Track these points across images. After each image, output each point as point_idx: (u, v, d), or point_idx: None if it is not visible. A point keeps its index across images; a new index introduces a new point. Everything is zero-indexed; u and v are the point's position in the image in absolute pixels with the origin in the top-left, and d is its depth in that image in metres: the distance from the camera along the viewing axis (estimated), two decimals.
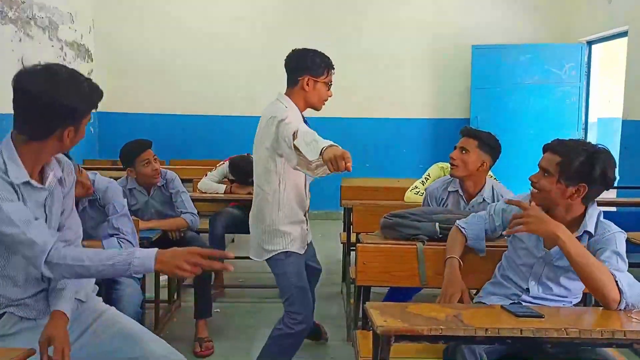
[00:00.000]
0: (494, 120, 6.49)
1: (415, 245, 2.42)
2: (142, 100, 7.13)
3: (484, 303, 2.16)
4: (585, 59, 6.63)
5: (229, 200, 4.27)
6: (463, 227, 2.34)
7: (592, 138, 7.06)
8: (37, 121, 1.63)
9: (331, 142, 2.12)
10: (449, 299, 2.17)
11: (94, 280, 1.96)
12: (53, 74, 1.63)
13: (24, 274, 1.74)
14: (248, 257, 4.80)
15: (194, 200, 3.62)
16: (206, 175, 4.32)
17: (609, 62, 8.08)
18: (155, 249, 1.67)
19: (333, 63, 2.62)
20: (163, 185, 3.45)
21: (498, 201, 2.56)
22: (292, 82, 2.58)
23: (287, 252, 2.57)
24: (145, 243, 2.99)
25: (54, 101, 1.60)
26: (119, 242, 2.62)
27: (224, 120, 7.08)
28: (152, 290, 3.36)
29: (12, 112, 1.66)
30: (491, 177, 3.09)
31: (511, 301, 2.10)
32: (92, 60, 6.98)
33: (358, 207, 3.44)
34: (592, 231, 1.98)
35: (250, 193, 4.11)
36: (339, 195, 4.07)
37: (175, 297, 3.89)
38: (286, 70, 2.61)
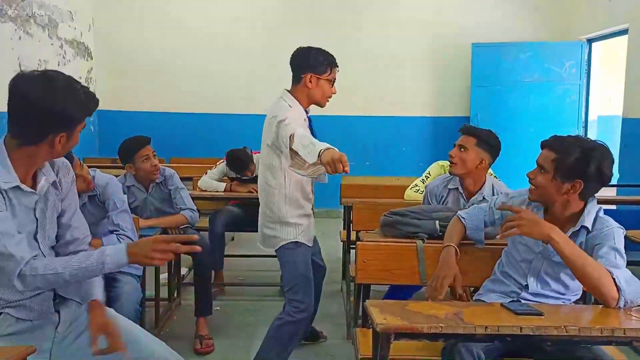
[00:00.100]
0: (494, 119, 6.49)
1: (415, 243, 2.42)
2: (142, 99, 7.13)
3: (483, 301, 2.17)
4: (586, 57, 6.63)
5: (229, 198, 4.28)
6: (463, 217, 2.36)
7: (592, 136, 7.04)
8: (29, 126, 1.63)
9: (327, 145, 2.17)
10: (440, 281, 2.17)
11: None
12: (50, 80, 1.63)
13: None
14: (248, 255, 4.84)
15: (194, 198, 3.62)
16: (206, 173, 4.32)
17: (609, 60, 8.08)
18: (125, 243, 1.71)
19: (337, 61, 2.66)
20: (162, 182, 3.45)
21: None
22: (296, 79, 2.65)
23: (297, 242, 2.64)
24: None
25: (48, 107, 1.60)
26: (118, 239, 2.62)
27: (224, 119, 7.08)
28: (152, 288, 3.36)
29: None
30: (491, 175, 3.09)
31: (510, 299, 2.10)
32: (91, 59, 6.97)
33: (358, 205, 3.44)
34: (590, 226, 1.98)
35: (250, 191, 4.14)
36: (339, 194, 4.07)
37: (175, 295, 3.90)
38: (291, 68, 2.67)
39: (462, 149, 2.78)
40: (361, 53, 6.93)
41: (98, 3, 7.00)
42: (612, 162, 1.98)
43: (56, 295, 1.81)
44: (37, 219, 1.74)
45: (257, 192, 4.05)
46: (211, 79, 7.08)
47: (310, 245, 2.72)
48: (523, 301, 2.05)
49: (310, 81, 2.60)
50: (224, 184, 4.22)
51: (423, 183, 3.64)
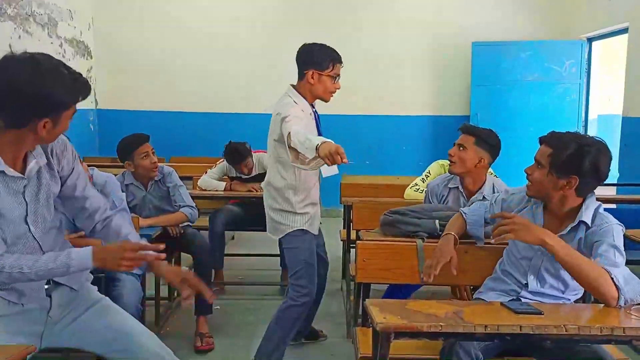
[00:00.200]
0: (494, 118, 6.48)
1: (415, 242, 2.42)
2: (141, 98, 7.12)
3: (483, 299, 2.17)
4: (586, 56, 6.62)
5: (229, 197, 4.28)
6: (464, 212, 2.38)
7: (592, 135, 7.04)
8: (10, 109, 1.60)
9: (323, 139, 2.24)
10: (437, 259, 2.16)
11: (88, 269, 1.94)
12: (36, 62, 1.60)
13: None
14: (248, 255, 4.84)
15: (193, 197, 3.62)
16: (206, 172, 4.32)
17: (609, 59, 8.07)
18: (90, 247, 1.71)
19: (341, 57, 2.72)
20: (160, 179, 3.44)
21: None
22: (300, 75, 2.73)
23: (303, 229, 2.74)
24: (145, 241, 2.99)
25: (31, 91, 1.57)
26: None
27: (224, 118, 7.08)
28: (152, 287, 3.36)
29: None
30: (491, 174, 3.09)
31: (510, 297, 2.11)
32: (91, 58, 6.97)
33: (358, 205, 3.44)
34: (589, 222, 1.97)
35: (250, 190, 4.15)
36: (339, 193, 4.07)
37: (175, 294, 3.90)
38: (296, 64, 2.74)
39: (461, 148, 2.79)
40: (361, 53, 6.92)
41: (98, 2, 6.99)
42: (610, 158, 1.97)
43: (49, 280, 1.79)
44: (26, 202, 1.72)
45: (257, 191, 4.10)
46: (211, 79, 7.07)
47: (315, 233, 2.81)
48: (523, 300, 2.06)
49: (313, 77, 2.67)
50: (224, 183, 4.22)
51: (423, 182, 3.64)
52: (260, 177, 4.23)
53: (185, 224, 3.44)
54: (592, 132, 6.96)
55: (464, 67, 6.91)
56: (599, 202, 2.03)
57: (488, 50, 6.68)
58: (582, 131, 6.58)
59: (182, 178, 3.60)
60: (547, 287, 2.09)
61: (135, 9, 7.06)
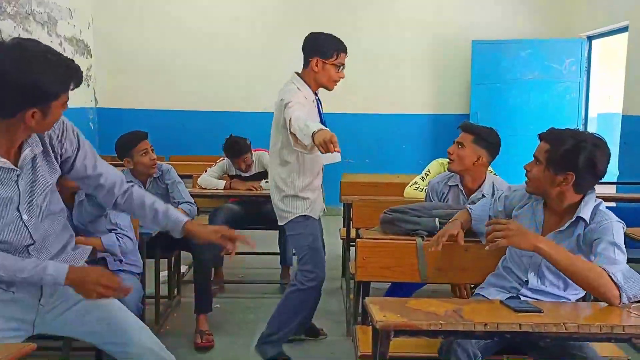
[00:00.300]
0: (494, 116, 6.48)
1: (415, 240, 2.42)
2: (141, 97, 7.12)
3: (483, 295, 2.17)
4: (586, 55, 6.62)
5: (229, 196, 4.28)
6: (470, 208, 2.40)
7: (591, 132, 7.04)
8: None
9: (320, 126, 2.33)
10: (443, 233, 2.26)
11: (83, 259, 1.94)
12: (22, 49, 1.55)
13: (4, 247, 1.72)
14: (248, 253, 4.84)
15: (193, 196, 3.62)
16: (206, 171, 4.32)
17: (609, 57, 8.07)
18: (67, 267, 1.69)
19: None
20: (159, 177, 3.44)
21: None
22: (305, 63, 2.81)
23: (305, 215, 2.82)
24: (145, 239, 2.99)
25: (15, 80, 1.51)
26: (117, 238, 2.62)
27: (223, 117, 7.07)
28: (152, 286, 3.36)
29: None
30: (491, 172, 3.09)
31: (510, 294, 2.11)
32: (91, 56, 6.96)
33: (358, 203, 3.44)
34: (587, 218, 1.97)
35: (249, 189, 4.15)
36: (339, 191, 4.07)
37: (175, 292, 3.90)
38: (302, 52, 2.82)
39: (460, 146, 2.80)
40: (361, 52, 6.90)
41: (98, 1, 6.98)
42: (607, 156, 1.96)
43: None
44: (19, 191, 1.70)
45: (256, 189, 4.10)
46: (211, 78, 7.07)
47: (316, 218, 2.89)
48: (522, 298, 2.06)
49: (317, 65, 2.74)
50: (224, 182, 4.22)
51: (423, 180, 3.64)
52: (260, 175, 4.24)
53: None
54: (591, 130, 6.94)
55: (464, 66, 6.90)
56: (600, 200, 2.03)
57: (488, 48, 6.68)
58: (582, 129, 6.59)
59: (181, 177, 3.60)
60: (548, 284, 2.08)
61: (135, 8, 7.06)
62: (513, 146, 5.38)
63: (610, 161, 1.99)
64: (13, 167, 1.68)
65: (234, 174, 4.30)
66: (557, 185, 1.99)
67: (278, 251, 4.41)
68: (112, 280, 1.71)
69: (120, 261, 2.73)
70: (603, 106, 8.38)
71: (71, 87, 1.64)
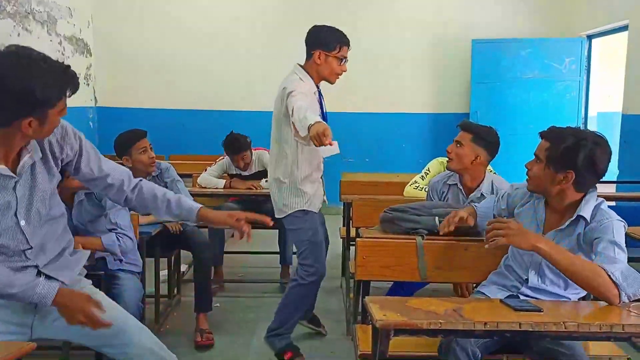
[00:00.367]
0: (494, 115, 6.48)
1: (415, 239, 2.42)
2: (141, 96, 7.12)
3: (483, 293, 2.18)
4: (585, 54, 6.62)
5: (229, 195, 4.28)
6: (476, 205, 2.41)
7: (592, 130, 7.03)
8: None
9: (317, 118, 2.35)
10: (454, 215, 2.28)
11: (81, 264, 1.94)
12: (18, 57, 1.54)
13: (1, 251, 1.71)
14: (248, 252, 4.84)
15: (193, 195, 3.61)
16: (206, 170, 4.32)
17: (609, 56, 8.06)
18: (56, 288, 1.68)
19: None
20: (158, 175, 3.44)
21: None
22: (308, 55, 2.82)
23: (304, 210, 2.82)
24: (145, 239, 2.99)
25: (8, 89, 1.50)
26: (117, 237, 2.62)
27: (223, 116, 7.07)
28: (152, 285, 3.36)
29: None
30: (491, 171, 3.09)
31: (510, 293, 2.11)
32: (90, 55, 6.96)
33: (358, 202, 3.44)
34: (588, 217, 1.96)
35: (249, 188, 4.14)
36: (339, 190, 4.07)
37: (175, 292, 3.90)
38: (305, 45, 2.84)
39: (458, 145, 2.80)
40: (361, 52, 6.87)
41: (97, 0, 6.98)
42: (608, 154, 1.95)
43: (40, 273, 1.78)
44: (17, 198, 1.69)
45: (256, 188, 4.10)
46: (211, 77, 7.07)
47: (316, 211, 2.88)
48: (522, 297, 2.06)
49: (319, 57, 2.77)
50: (224, 181, 4.22)
51: (422, 179, 3.64)
52: (260, 174, 4.24)
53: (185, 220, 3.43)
54: (591, 129, 6.95)
55: (463, 65, 6.90)
56: (602, 199, 2.02)
57: (488, 47, 6.68)
58: (582, 128, 6.58)
59: (181, 176, 3.59)
60: (548, 283, 2.08)
61: (135, 7, 7.05)
62: (513, 145, 5.38)
63: (611, 160, 1.98)
64: (11, 174, 1.68)
65: (234, 173, 4.30)
66: (557, 183, 1.98)
67: (278, 250, 4.41)
68: (95, 313, 1.69)
69: (120, 260, 2.73)
70: (603, 105, 8.38)
71: (68, 94, 1.63)
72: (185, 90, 7.10)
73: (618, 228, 1.91)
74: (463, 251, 2.34)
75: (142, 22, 7.05)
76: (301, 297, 2.88)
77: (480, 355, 1.91)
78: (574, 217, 1.99)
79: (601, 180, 2.01)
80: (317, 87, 2.86)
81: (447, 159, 2.96)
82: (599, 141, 1.94)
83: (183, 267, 4.20)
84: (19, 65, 1.53)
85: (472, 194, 2.83)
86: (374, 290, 2.68)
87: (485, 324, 1.61)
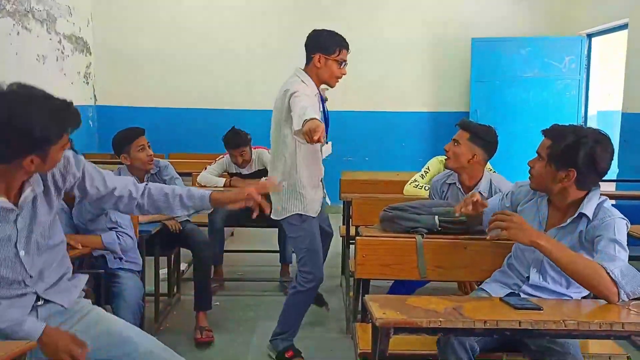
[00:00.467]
0: (494, 114, 6.48)
1: (415, 238, 2.42)
2: (141, 94, 7.11)
3: (485, 290, 2.18)
4: (585, 52, 6.62)
5: None
6: None
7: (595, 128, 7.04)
8: None
9: (312, 115, 2.35)
10: (471, 196, 2.24)
11: (79, 288, 1.93)
12: (13, 96, 1.53)
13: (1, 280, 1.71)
14: (247, 251, 4.84)
15: None
16: (205, 168, 4.32)
17: (608, 55, 8.06)
18: (43, 328, 1.66)
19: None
20: (156, 173, 3.43)
21: (495, 194, 2.58)
22: (308, 59, 2.84)
23: (301, 215, 2.81)
24: (145, 237, 2.99)
25: (3, 127, 1.49)
26: (117, 236, 2.62)
27: (223, 114, 7.06)
28: (152, 283, 3.36)
29: None
30: (490, 170, 3.09)
31: (511, 290, 2.11)
32: (90, 54, 6.95)
33: (357, 201, 3.44)
34: (590, 215, 1.96)
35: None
36: (339, 189, 4.07)
37: (175, 290, 3.90)
38: (305, 48, 2.86)
39: (456, 144, 2.80)
40: (361, 50, 6.89)
41: None
42: (610, 152, 1.95)
43: (39, 297, 1.79)
44: (17, 230, 1.70)
45: None
46: (210, 76, 7.07)
47: (314, 216, 2.87)
48: (523, 295, 2.06)
49: (319, 61, 2.78)
50: (224, 180, 4.22)
51: (422, 178, 3.64)
52: (260, 173, 4.24)
53: (184, 218, 3.43)
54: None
55: (463, 64, 6.90)
56: (605, 197, 2.01)
57: (488, 46, 6.67)
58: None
59: (181, 174, 3.60)
60: (550, 281, 2.08)
61: (134, 6, 7.04)
62: (513, 144, 5.39)
63: (613, 158, 1.97)
64: (13, 207, 1.68)
65: (234, 172, 4.30)
66: (559, 181, 1.98)
67: (278, 249, 4.41)
68: (80, 354, 1.68)
69: (120, 259, 2.73)
70: (603, 104, 8.38)
71: (69, 131, 1.63)
72: (185, 88, 7.10)
73: (620, 226, 1.90)
74: (463, 250, 2.34)
75: (142, 20, 7.04)
76: (302, 303, 2.92)
77: (478, 350, 1.91)
78: (576, 215, 1.99)
79: (602, 178, 2.01)
80: (319, 90, 2.87)
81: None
82: (600, 139, 1.94)
83: (183, 266, 4.20)
84: (17, 104, 1.52)
85: (470, 193, 2.83)
86: (373, 288, 2.67)
87: (485, 322, 1.61)
